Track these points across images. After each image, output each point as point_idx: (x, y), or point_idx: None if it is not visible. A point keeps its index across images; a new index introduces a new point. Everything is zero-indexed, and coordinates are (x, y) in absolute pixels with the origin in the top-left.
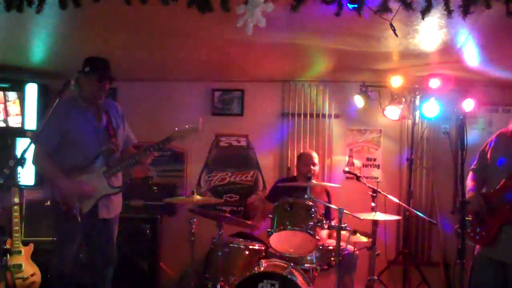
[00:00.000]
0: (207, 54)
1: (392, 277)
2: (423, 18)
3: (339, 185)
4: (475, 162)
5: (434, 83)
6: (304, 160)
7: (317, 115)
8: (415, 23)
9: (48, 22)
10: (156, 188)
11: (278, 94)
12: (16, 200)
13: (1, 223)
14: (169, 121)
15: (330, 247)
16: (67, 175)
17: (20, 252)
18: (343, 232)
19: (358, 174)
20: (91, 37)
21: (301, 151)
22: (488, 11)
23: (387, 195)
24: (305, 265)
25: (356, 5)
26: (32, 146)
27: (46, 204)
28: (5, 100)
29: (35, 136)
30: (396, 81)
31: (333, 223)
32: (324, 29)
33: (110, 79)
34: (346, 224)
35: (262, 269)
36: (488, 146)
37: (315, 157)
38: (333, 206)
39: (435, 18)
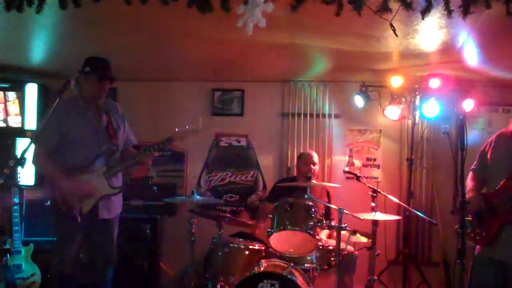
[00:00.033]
0: (207, 54)
1: (392, 277)
2: (423, 18)
3: (339, 185)
4: (475, 162)
5: (434, 83)
6: (304, 159)
7: (317, 115)
8: (415, 23)
9: (48, 22)
10: (156, 188)
11: (278, 94)
12: (16, 200)
13: (1, 223)
14: (169, 121)
15: (330, 247)
16: (67, 175)
17: (20, 252)
18: (343, 232)
19: (358, 174)
20: (91, 37)
21: (301, 151)
22: (488, 11)
23: (387, 195)
24: (305, 265)
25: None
26: (32, 146)
27: (46, 204)
28: (5, 100)
29: (35, 136)
30: (396, 81)
31: (333, 223)
32: (324, 29)
33: (110, 79)
34: (346, 224)
35: (262, 269)
36: (488, 146)
37: (315, 157)
38: (333, 206)
39: (435, 18)
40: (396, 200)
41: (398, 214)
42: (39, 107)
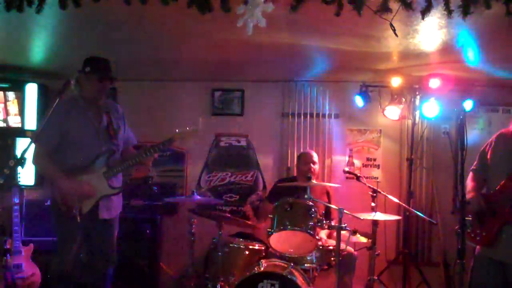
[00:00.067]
0: (207, 54)
1: (392, 277)
2: (423, 18)
3: (339, 185)
4: (475, 162)
5: (434, 83)
6: (304, 159)
7: (317, 115)
8: (415, 23)
9: (48, 22)
10: (156, 188)
11: (278, 94)
12: (16, 200)
13: (1, 223)
14: (169, 121)
15: (330, 247)
16: (67, 175)
17: (20, 252)
18: (343, 232)
19: (358, 174)
20: (91, 37)
21: (301, 151)
22: (488, 11)
23: (387, 195)
24: (305, 265)
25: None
26: (32, 146)
27: (46, 204)
28: (5, 100)
29: (35, 136)
30: (396, 81)
31: (333, 223)
32: (324, 29)
33: (110, 79)
34: (346, 224)
35: (262, 269)
36: (488, 146)
37: (315, 156)
38: (333, 206)
39: (435, 18)
40: (396, 200)
41: (398, 214)
42: (39, 107)
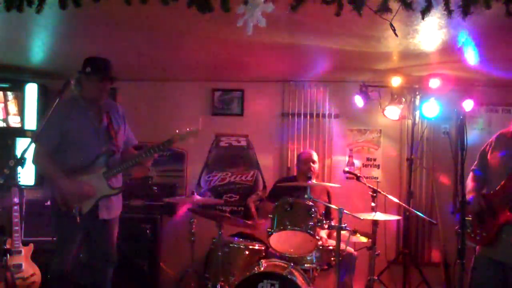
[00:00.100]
0: (207, 54)
1: (392, 277)
2: (423, 18)
3: (339, 185)
4: (475, 162)
5: (434, 83)
6: (304, 158)
7: (317, 115)
8: (415, 23)
9: (48, 22)
10: (156, 188)
11: (278, 94)
12: (16, 200)
13: (1, 223)
14: (169, 121)
15: (330, 247)
16: (67, 175)
17: (20, 252)
18: (343, 232)
19: (358, 174)
20: (91, 37)
21: (301, 151)
22: (488, 11)
23: (387, 195)
24: (305, 265)
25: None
26: (32, 146)
27: (46, 204)
28: (5, 100)
29: (35, 136)
30: (396, 81)
31: (333, 223)
32: (324, 29)
33: (111, 79)
34: (346, 224)
35: (262, 269)
36: (488, 146)
37: (314, 155)
38: (333, 206)
39: (435, 18)
40: (396, 200)
41: (398, 214)
42: (39, 107)
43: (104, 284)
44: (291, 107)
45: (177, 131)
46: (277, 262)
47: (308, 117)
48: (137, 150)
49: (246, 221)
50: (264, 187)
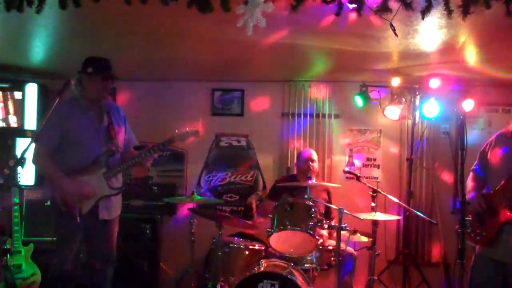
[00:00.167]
0: (207, 54)
1: (392, 277)
2: (423, 18)
3: (339, 185)
4: (475, 162)
5: (434, 83)
6: (303, 157)
7: (317, 115)
8: (415, 23)
9: (48, 22)
10: (156, 188)
11: (278, 94)
12: (16, 200)
13: (1, 223)
14: (169, 121)
15: (330, 247)
16: (67, 175)
17: (20, 252)
18: (343, 232)
19: (358, 174)
20: (91, 37)
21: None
22: (488, 11)
23: (387, 195)
24: (305, 265)
25: (356, 5)
26: (32, 146)
27: (46, 204)
28: (5, 100)
29: (35, 136)
30: (396, 81)
31: (333, 223)
32: (324, 29)
33: (113, 78)
34: (346, 224)
35: (262, 269)
36: (488, 146)
37: (314, 154)
38: (333, 206)
39: (435, 18)
40: (396, 200)
41: (398, 214)
42: (39, 107)
43: (104, 284)
44: (291, 107)
45: (176, 131)
46: (277, 262)
47: (308, 117)
48: (137, 150)
49: (246, 221)
50: (264, 187)
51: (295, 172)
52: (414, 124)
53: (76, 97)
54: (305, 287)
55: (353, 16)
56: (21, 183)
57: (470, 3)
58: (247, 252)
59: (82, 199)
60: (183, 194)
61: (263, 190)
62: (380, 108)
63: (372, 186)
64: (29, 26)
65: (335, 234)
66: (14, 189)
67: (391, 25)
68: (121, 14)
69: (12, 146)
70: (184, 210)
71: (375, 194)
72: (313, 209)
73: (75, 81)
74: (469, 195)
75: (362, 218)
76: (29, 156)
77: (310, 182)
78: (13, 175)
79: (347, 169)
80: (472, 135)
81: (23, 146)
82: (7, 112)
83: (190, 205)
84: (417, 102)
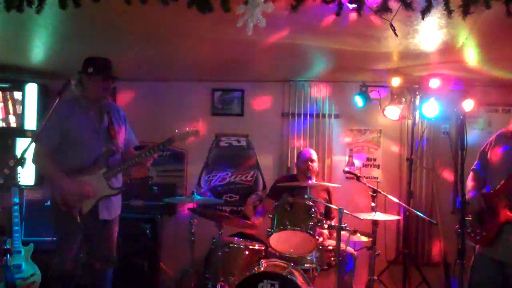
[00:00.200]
0: (207, 54)
1: (392, 277)
2: (423, 18)
3: (339, 185)
4: (475, 162)
5: (434, 83)
6: (303, 157)
7: (317, 115)
8: (415, 23)
9: (48, 22)
10: (156, 188)
11: (278, 94)
12: (16, 200)
13: (1, 223)
14: (169, 121)
15: (330, 247)
16: (67, 175)
17: (20, 252)
18: (343, 232)
19: (358, 174)
20: (91, 37)
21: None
22: (488, 11)
23: (387, 195)
24: (305, 265)
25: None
26: (32, 146)
27: (46, 204)
28: (5, 100)
29: (35, 136)
30: (396, 81)
31: (333, 223)
32: (324, 29)
33: (113, 78)
34: (346, 224)
35: (262, 269)
36: (488, 146)
37: (314, 154)
38: (333, 206)
39: (435, 18)
40: (396, 200)
41: (398, 214)
42: (39, 107)
43: (104, 284)
44: (291, 107)
45: (176, 131)
46: (277, 262)
47: (308, 117)
48: (137, 150)
49: (246, 221)
50: (264, 187)
51: (295, 172)
52: (414, 124)
53: (76, 97)
54: (305, 287)
55: (353, 16)
56: (21, 183)
57: (470, 3)
58: (247, 252)
59: (82, 199)
60: (183, 194)
61: (263, 190)
62: (380, 108)
63: (372, 186)
64: (29, 26)
65: (335, 234)
66: (14, 189)
67: (391, 25)
68: (121, 14)
69: (12, 146)
70: (184, 210)
71: (375, 194)
72: (313, 209)
73: (75, 81)
74: (469, 195)
75: (362, 218)
76: (29, 156)
77: (310, 182)
78: (13, 175)
79: (347, 169)
80: (472, 135)
81: (23, 146)
82: (7, 112)
83: (190, 205)
84: (417, 102)
